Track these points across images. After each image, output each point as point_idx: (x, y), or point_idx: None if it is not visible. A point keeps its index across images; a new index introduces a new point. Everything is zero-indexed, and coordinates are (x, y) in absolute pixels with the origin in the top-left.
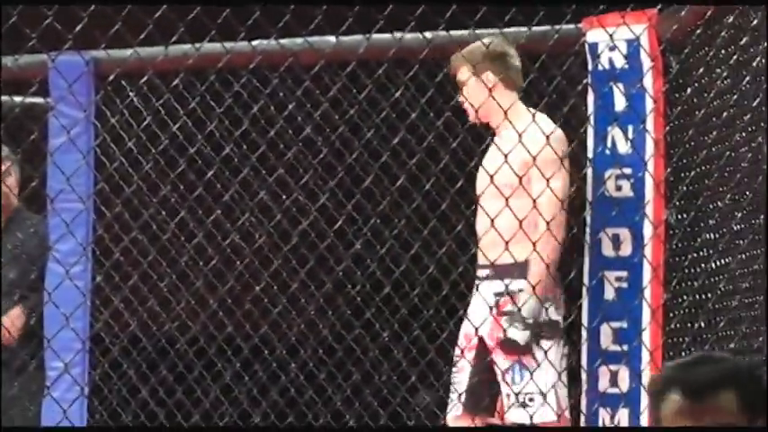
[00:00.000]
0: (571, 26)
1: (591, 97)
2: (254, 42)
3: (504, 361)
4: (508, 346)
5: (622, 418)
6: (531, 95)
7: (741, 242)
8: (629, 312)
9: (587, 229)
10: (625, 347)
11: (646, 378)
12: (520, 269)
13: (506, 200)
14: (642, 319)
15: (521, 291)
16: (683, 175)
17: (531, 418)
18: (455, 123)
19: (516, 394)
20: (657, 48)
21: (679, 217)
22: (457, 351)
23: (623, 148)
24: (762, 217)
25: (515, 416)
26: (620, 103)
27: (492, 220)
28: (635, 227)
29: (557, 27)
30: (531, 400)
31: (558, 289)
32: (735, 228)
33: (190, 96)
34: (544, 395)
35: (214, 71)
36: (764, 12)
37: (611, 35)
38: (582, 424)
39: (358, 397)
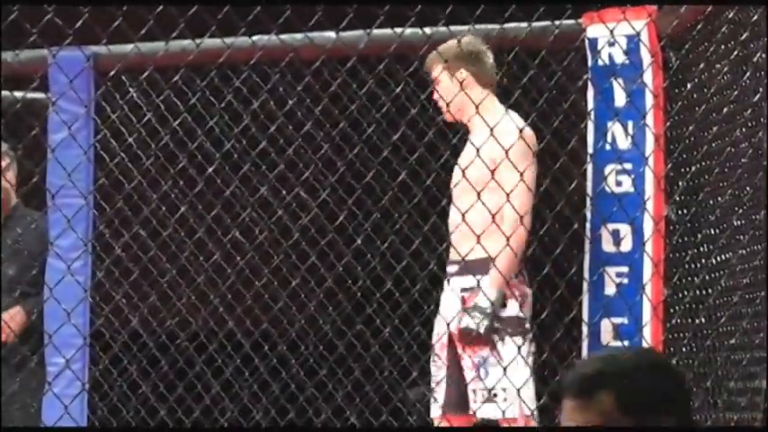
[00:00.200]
0: (571, 22)
1: (591, 93)
2: (255, 38)
3: (468, 358)
4: (463, 335)
5: None
6: (531, 91)
7: (742, 238)
8: (629, 308)
9: (587, 225)
10: (626, 343)
11: None
12: (488, 265)
13: (478, 194)
14: (643, 315)
15: (480, 285)
16: (683, 170)
17: (502, 412)
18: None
19: (480, 390)
20: (657, 43)
21: (679, 212)
22: (433, 350)
23: (623, 143)
24: (762, 213)
25: (481, 412)
26: (620, 98)
27: (463, 215)
28: (635, 222)
29: (557, 23)
30: (495, 395)
31: (526, 288)
32: (735, 223)
33: (190, 92)
34: (516, 391)
35: (214, 67)
36: (764, 9)
37: (611, 31)
38: None
39: (359, 392)
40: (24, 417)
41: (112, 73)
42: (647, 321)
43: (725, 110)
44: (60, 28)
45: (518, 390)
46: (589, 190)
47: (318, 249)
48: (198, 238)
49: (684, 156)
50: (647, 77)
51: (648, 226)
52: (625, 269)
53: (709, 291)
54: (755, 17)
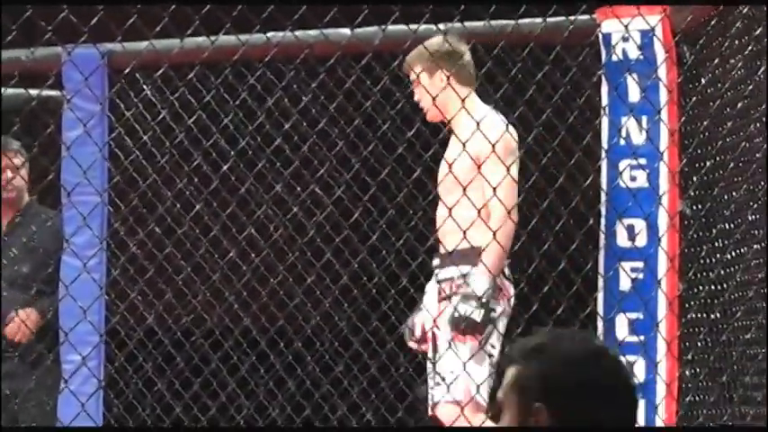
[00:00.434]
0: (585, 17)
1: (605, 88)
2: (269, 35)
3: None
4: (464, 325)
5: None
6: (545, 87)
7: (757, 232)
8: (645, 303)
9: (602, 220)
10: (641, 338)
11: (662, 369)
12: (466, 255)
13: (464, 189)
14: (658, 310)
15: (464, 275)
16: (697, 165)
17: (448, 394)
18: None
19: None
20: (672, 38)
21: (694, 207)
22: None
23: (638, 138)
24: None
25: (430, 395)
26: (634, 93)
27: (450, 210)
28: (650, 217)
29: (571, 18)
30: (443, 379)
31: (505, 282)
32: (750, 218)
33: (204, 89)
34: (466, 375)
35: (229, 64)
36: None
37: (626, 26)
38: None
39: (375, 389)
40: (40, 414)
41: (127, 70)
42: (663, 316)
43: (739, 105)
44: (74, 25)
45: (466, 378)
46: (604, 185)
47: (333, 246)
48: (213, 236)
49: (699, 151)
50: (661, 72)
51: (663, 221)
52: (640, 264)
53: (725, 286)
54: None
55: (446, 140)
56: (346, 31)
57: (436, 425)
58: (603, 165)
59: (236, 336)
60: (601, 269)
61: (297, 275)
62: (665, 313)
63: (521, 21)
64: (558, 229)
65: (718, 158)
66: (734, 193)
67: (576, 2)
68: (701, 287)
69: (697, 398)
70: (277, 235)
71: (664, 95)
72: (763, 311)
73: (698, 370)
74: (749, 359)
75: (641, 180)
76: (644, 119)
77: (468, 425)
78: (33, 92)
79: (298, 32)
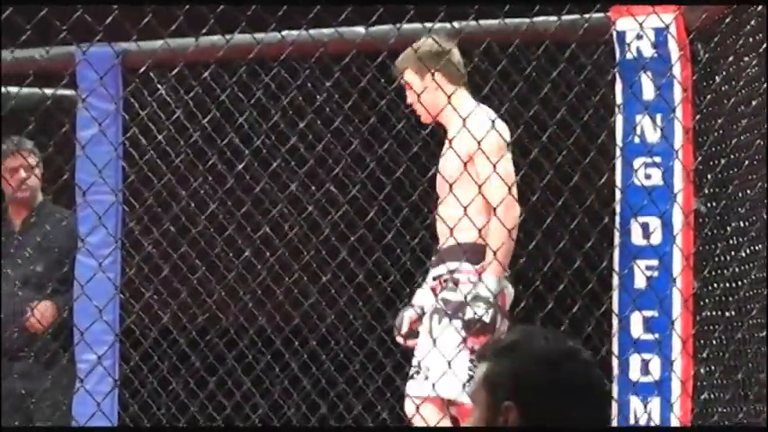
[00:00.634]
0: (600, 15)
1: (619, 86)
2: (284, 33)
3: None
4: (470, 326)
5: (654, 406)
6: (560, 85)
7: None
8: (660, 301)
9: (617, 218)
10: (657, 336)
11: (678, 367)
12: (454, 252)
13: (450, 187)
14: (673, 308)
15: (451, 271)
16: (712, 163)
17: (416, 389)
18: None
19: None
20: (685, 36)
21: (708, 205)
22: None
23: (652, 136)
24: None
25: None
26: (648, 91)
27: (435, 207)
28: (665, 215)
29: (586, 16)
30: (417, 373)
31: (473, 267)
32: (765, 215)
33: (218, 88)
34: (437, 372)
35: (244, 63)
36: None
37: (640, 24)
38: (614, 411)
39: (390, 387)
40: (55, 414)
41: (142, 69)
42: (678, 314)
43: (753, 102)
44: (87, 24)
45: (440, 373)
46: (618, 183)
47: (348, 244)
48: (228, 234)
49: (713, 148)
50: (676, 70)
51: (678, 219)
52: (655, 262)
53: (740, 283)
54: None
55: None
56: (361, 29)
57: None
58: (618, 163)
59: (251, 335)
60: (616, 267)
61: (312, 274)
62: (680, 311)
63: (535, 19)
64: (573, 227)
65: (732, 156)
66: (748, 191)
67: (590, 0)
68: (715, 285)
69: (712, 396)
70: (292, 234)
71: (678, 93)
72: None
73: (713, 368)
74: (764, 356)
75: (656, 178)
76: (658, 117)
77: (426, 423)
78: (47, 91)
79: (312, 31)
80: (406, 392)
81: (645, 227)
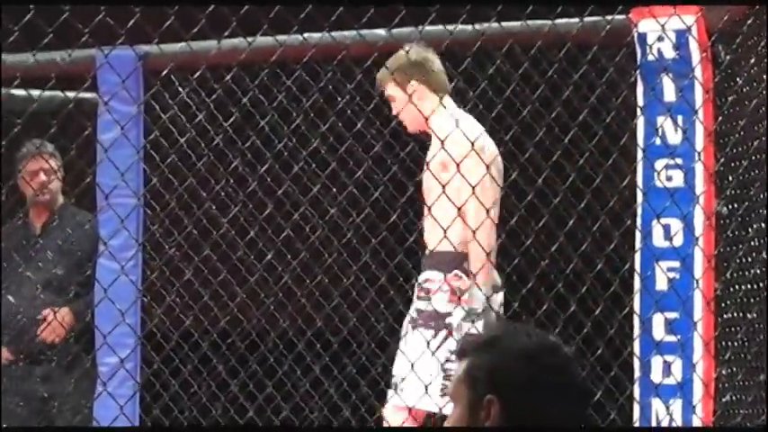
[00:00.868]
0: (621, 17)
1: (640, 88)
2: (306, 35)
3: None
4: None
5: (675, 408)
6: (581, 87)
7: None
8: (682, 303)
9: (638, 220)
10: (679, 338)
11: (700, 369)
12: (427, 260)
13: (420, 196)
14: (695, 310)
15: (425, 281)
16: (733, 164)
17: (393, 399)
18: (505, 116)
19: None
20: (707, 38)
21: (730, 207)
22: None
23: (674, 138)
24: None
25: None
26: (669, 93)
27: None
28: (687, 217)
29: (608, 18)
30: (395, 384)
31: (459, 279)
32: (766, 216)
33: (240, 90)
34: (413, 381)
35: (266, 65)
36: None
37: (662, 26)
38: (635, 414)
39: None
40: (76, 417)
41: (165, 72)
42: (701, 316)
43: None
44: (108, 27)
45: (415, 383)
46: (640, 185)
47: (370, 247)
48: (250, 237)
49: (735, 150)
50: (697, 72)
51: (700, 220)
52: (676, 264)
53: (762, 284)
54: None
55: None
56: (382, 31)
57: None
58: (639, 164)
59: (273, 337)
60: (637, 269)
61: (334, 276)
62: (703, 313)
63: (556, 21)
64: (595, 229)
65: (754, 158)
66: None
67: (612, 2)
68: (738, 286)
69: (734, 398)
70: (314, 236)
71: (699, 95)
72: None
73: (735, 369)
74: None
75: (678, 180)
76: (680, 118)
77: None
78: (68, 94)
79: (334, 33)
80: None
81: (667, 228)
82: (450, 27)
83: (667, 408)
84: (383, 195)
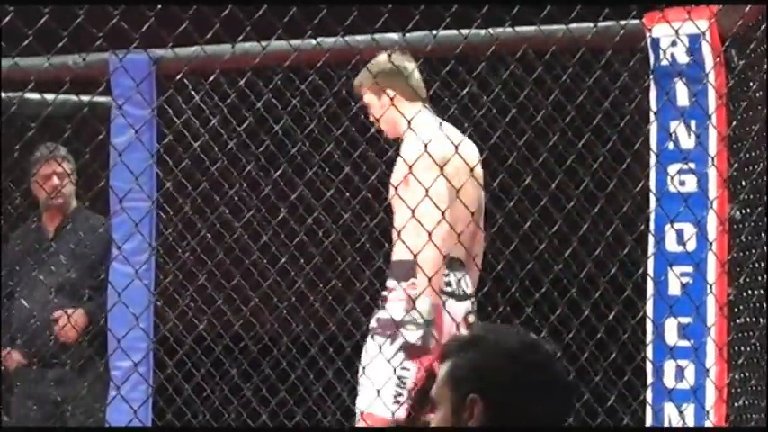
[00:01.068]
0: (635, 21)
1: (653, 93)
2: (320, 40)
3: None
4: (409, 350)
5: (688, 412)
6: (594, 91)
7: None
8: (695, 308)
9: (651, 225)
10: (692, 343)
11: (713, 374)
12: (392, 268)
13: (388, 204)
14: (708, 315)
15: (384, 289)
16: (746, 169)
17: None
18: (518, 120)
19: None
20: (720, 43)
21: (743, 212)
22: None
23: (687, 143)
24: None
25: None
26: (682, 98)
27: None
28: (700, 222)
29: (621, 23)
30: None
31: (401, 285)
32: (766, 216)
33: (253, 94)
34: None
35: (280, 69)
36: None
37: (676, 31)
38: (648, 418)
39: None
40: (89, 421)
41: (179, 76)
42: (714, 321)
43: None
44: (120, 31)
45: (370, 390)
46: (653, 190)
47: (383, 251)
48: (263, 241)
49: (749, 155)
50: (711, 77)
51: (713, 225)
52: (689, 269)
53: None
54: None
55: (497, 146)
56: (396, 36)
57: None
58: (652, 169)
59: (286, 341)
60: (650, 273)
61: (347, 281)
62: (716, 318)
63: (570, 26)
64: (609, 234)
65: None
66: None
67: (625, 6)
68: (751, 291)
69: (747, 402)
70: (328, 241)
71: (713, 100)
72: None
73: (748, 374)
74: None
75: (691, 185)
76: (693, 123)
77: None
78: (80, 98)
79: (348, 38)
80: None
81: (680, 233)
82: (464, 31)
83: (680, 412)
84: None
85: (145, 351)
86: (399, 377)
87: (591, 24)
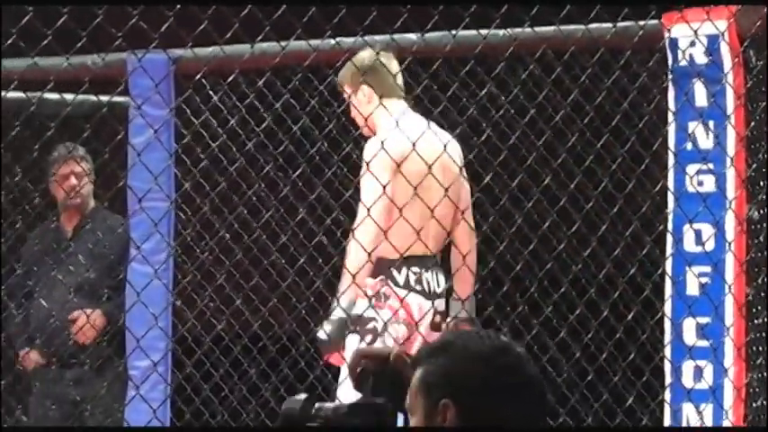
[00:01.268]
0: (655, 22)
1: (671, 93)
2: (338, 39)
3: None
4: (318, 347)
5: (707, 413)
6: (613, 92)
7: None
8: (714, 308)
9: (669, 225)
10: (710, 343)
11: (732, 374)
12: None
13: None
14: (727, 315)
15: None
16: (765, 169)
17: None
18: (537, 120)
19: None
20: (738, 43)
21: (761, 212)
22: None
23: (705, 143)
24: None
25: None
26: (701, 98)
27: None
28: (718, 222)
29: (640, 23)
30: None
31: (383, 285)
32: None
33: (271, 94)
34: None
35: (299, 69)
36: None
37: (695, 31)
38: (666, 418)
39: None
40: (107, 420)
41: (198, 76)
42: (732, 321)
43: None
44: (141, 31)
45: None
46: (672, 190)
47: None
48: (282, 241)
49: (767, 155)
50: (729, 77)
51: (731, 225)
52: (707, 269)
53: None
54: None
55: (515, 146)
56: (413, 36)
57: None
58: (671, 169)
59: (305, 341)
60: (669, 274)
61: None
62: (734, 318)
63: (589, 26)
64: (627, 234)
65: None
66: None
67: (643, 6)
68: None
69: (765, 402)
70: (346, 241)
71: (731, 100)
72: None
73: (766, 374)
74: None
75: (709, 185)
76: (711, 124)
77: None
78: (98, 98)
79: (367, 37)
80: None
81: (698, 233)
82: (483, 31)
83: (699, 412)
84: None
85: (163, 351)
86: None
87: (610, 24)
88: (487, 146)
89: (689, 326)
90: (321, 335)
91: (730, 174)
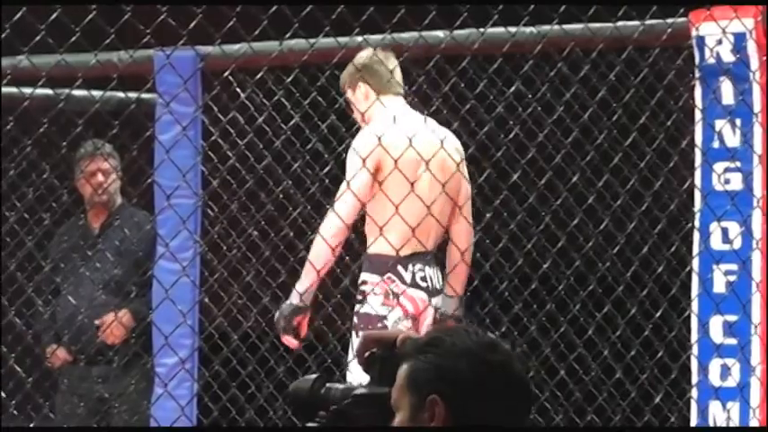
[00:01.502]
0: (682, 20)
1: (698, 91)
2: (366, 37)
3: None
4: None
5: (733, 411)
6: (640, 90)
7: None
8: (741, 306)
9: (696, 223)
10: (738, 341)
11: (759, 372)
12: (366, 261)
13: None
14: (754, 313)
15: (362, 283)
16: None
17: None
18: (564, 118)
19: None
20: (765, 41)
21: None
22: None
23: (732, 141)
24: None
25: None
26: (728, 96)
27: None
28: (746, 220)
29: (668, 21)
30: None
31: (396, 288)
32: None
33: (297, 91)
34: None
35: (327, 66)
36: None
37: (723, 29)
38: (693, 416)
39: None
40: (133, 418)
41: (227, 73)
42: (760, 319)
43: None
44: (169, 28)
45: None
46: (699, 188)
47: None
48: (309, 238)
49: None
50: (757, 75)
51: (759, 224)
52: (734, 267)
53: None
54: None
55: (543, 145)
56: (441, 33)
57: None
58: (698, 168)
59: (331, 339)
60: (696, 271)
61: None
62: (762, 316)
63: (618, 23)
64: (655, 232)
65: None
66: None
67: (671, 4)
68: None
69: None
70: (374, 238)
71: (758, 98)
72: None
73: None
74: None
75: (736, 183)
76: (739, 122)
77: None
78: (125, 95)
79: (394, 35)
80: None
81: (726, 231)
82: (511, 29)
83: (726, 411)
84: None
85: (190, 348)
86: None
87: (637, 22)
88: (515, 144)
89: (716, 324)
90: (277, 317)
91: (758, 172)
